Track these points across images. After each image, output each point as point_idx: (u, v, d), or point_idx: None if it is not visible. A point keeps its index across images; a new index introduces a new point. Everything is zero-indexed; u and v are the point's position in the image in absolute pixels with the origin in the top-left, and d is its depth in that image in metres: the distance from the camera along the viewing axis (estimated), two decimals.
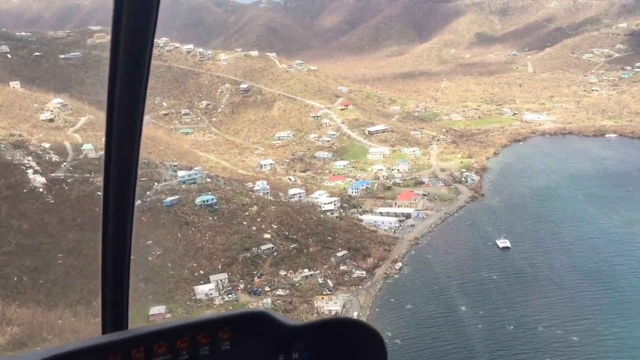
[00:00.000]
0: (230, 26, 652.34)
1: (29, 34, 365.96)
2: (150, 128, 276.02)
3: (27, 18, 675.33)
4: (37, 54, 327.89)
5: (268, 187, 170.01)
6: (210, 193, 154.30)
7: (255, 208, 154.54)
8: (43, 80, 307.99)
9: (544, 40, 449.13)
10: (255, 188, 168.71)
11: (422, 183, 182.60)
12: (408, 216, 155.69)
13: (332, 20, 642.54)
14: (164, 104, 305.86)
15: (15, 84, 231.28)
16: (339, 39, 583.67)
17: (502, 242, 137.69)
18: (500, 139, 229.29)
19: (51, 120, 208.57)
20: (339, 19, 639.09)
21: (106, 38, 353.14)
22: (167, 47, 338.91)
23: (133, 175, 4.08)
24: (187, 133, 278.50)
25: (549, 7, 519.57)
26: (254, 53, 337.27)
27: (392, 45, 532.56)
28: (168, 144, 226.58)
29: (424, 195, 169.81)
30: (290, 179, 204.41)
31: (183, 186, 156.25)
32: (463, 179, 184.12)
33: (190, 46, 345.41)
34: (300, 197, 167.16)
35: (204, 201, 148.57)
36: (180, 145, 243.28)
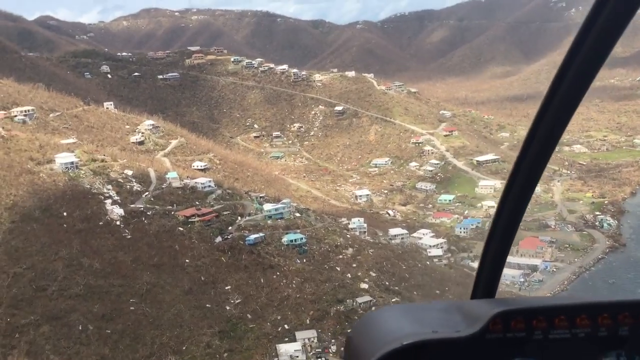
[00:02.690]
0: (325, 47, 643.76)
1: (129, 54, 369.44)
2: (240, 151, 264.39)
3: (135, 40, 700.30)
4: (136, 74, 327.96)
5: (365, 225, 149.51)
6: (299, 231, 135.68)
7: (350, 251, 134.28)
8: (140, 101, 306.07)
9: None
10: (351, 226, 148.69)
11: (546, 227, 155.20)
12: (534, 269, 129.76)
13: (431, 41, 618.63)
14: (255, 125, 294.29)
15: (109, 105, 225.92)
16: (438, 60, 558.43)
17: None
18: (637, 176, 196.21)
19: (141, 142, 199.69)
20: (438, 40, 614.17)
21: (204, 59, 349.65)
22: (261, 67, 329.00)
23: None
24: (278, 157, 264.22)
25: None
26: (350, 74, 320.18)
27: (496, 67, 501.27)
28: (257, 170, 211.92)
29: (552, 242, 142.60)
30: (389, 214, 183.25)
31: (269, 221, 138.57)
32: (597, 224, 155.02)
33: (285, 67, 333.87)
34: (402, 238, 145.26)
35: (291, 240, 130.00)
36: (269, 170, 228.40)
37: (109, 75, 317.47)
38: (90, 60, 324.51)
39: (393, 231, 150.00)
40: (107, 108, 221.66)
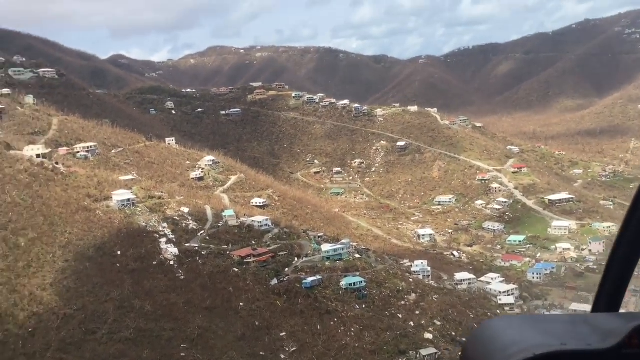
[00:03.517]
0: (387, 82, 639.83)
1: (194, 91, 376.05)
2: (300, 187, 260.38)
3: (202, 77, 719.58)
4: (199, 110, 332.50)
5: (429, 268, 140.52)
6: (358, 273, 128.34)
7: (413, 296, 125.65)
8: (203, 137, 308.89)
9: None
10: (414, 269, 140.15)
11: None
12: None
13: (496, 75, 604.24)
14: (315, 161, 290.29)
15: (171, 140, 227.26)
16: (504, 94, 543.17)
17: None
18: None
19: (201, 178, 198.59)
20: (504, 73, 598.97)
21: (266, 94, 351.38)
22: (322, 102, 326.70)
23: None
24: (338, 194, 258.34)
25: None
26: (413, 108, 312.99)
27: (566, 101, 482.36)
28: (316, 207, 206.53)
29: (635, 291, 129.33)
30: (454, 255, 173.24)
31: (327, 263, 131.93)
32: None
33: (346, 102, 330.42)
34: (469, 283, 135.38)
35: (350, 284, 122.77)
36: (329, 207, 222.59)
37: (173, 112, 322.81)
38: (156, 97, 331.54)
39: (459, 275, 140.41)
40: (169, 144, 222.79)
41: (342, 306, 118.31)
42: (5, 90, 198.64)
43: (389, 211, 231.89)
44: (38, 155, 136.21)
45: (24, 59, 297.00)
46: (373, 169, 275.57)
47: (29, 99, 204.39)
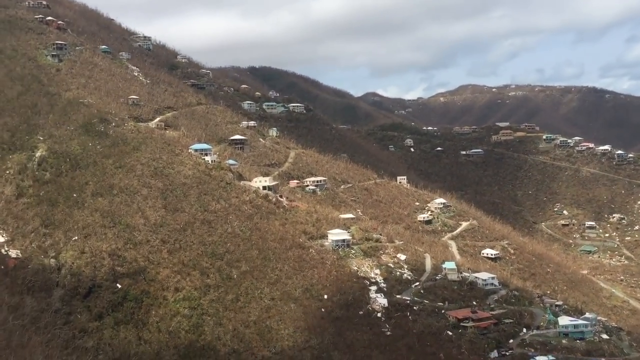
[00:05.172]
0: None
1: (435, 129, 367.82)
2: (543, 240, 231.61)
3: (450, 116, 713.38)
4: (438, 149, 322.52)
5: None
6: None
7: None
8: (439, 176, 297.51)
9: None
10: None
11: None
12: None
13: None
14: (564, 212, 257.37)
15: (402, 179, 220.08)
16: None
17: None
18: None
19: (428, 222, 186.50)
20: None
21: (512, 135, 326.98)
22: (577, 147, 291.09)
23: None
24: (590, 252, 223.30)
25: None
26: None
27: None
28: (559, 267, 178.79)
29: None
30: None
31: (564, 341, 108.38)
32: None
33: (607, 147, 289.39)
34: None
35: None
36: (575, 268, 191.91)
37: (412, 149, 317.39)
38: (396, 134, 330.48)
39: None
40: (400, 182, 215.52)
41: None
42: (252, 123, 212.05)
43: None
44: (264, 188, 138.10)
45: (278, 94, 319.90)
46: (636, 227, 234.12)
47: (272, 132, 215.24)
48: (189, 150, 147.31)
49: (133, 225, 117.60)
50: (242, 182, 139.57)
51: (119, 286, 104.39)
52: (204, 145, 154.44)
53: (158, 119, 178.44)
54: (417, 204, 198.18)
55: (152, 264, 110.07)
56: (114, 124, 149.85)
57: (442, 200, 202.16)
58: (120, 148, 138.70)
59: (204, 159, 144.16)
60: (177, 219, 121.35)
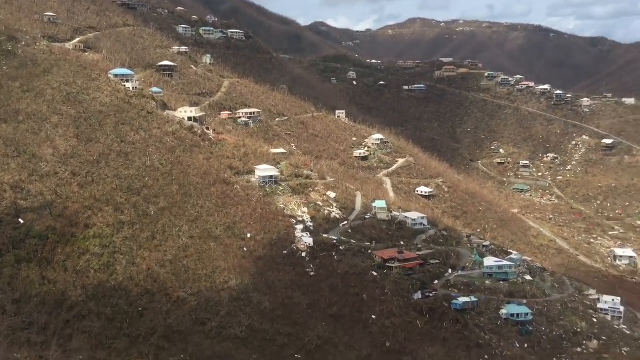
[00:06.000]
0: (603, 68, 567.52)
1: (379, 62, 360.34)
2: (478, 178, 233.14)
3: (398, 49, 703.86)
4: (381, 83, 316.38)
5: (622, 308, 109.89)
6: (525, 301, 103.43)
7: (594, 343, 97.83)
8: (380, 111, 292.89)
9: None
10: (601, 305, 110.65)
11: None
12: None
13: None
14: (501, 150, 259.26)
15: (340, 113, 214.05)
16: None
17: None
18: None
19: (364, 158, 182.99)
20: None
21: (455, 72, 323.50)
22: (518, 85, 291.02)
23: None
24: (522, 190, 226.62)
25: None
26: (629, 101, 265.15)
27: None
28: (491, 205, 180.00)
29: None
30: None
31: (487, 282, 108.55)
32: None
33: (547, 87, 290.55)
34: None
35: (512, 314, 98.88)
36: (507, 207, 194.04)
37: (354, 82, 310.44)
38: (340, 66, 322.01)
39: None
40: (338, 116, 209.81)
41: (497, 340, 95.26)
42: (184, 48, 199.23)
43: (581, 220, 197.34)
44: (190, 119, 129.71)
45: (217, 19, 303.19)
46: (568, 167, 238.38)
47: (206, 59, 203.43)
48: (108, 76, 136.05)
49: (40, 155, 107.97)
50: (166, 112, 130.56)
51: (22, 221, 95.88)
52: (125, 71, 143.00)
53: (77, 39, 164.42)
54: (355, 139, 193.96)
55: (60, 198, 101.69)
56: (23, 43, 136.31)
57: (379, 135, 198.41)
58: (29, 70, 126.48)
59: (125, 85, 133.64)
60: (91, 149, 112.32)
